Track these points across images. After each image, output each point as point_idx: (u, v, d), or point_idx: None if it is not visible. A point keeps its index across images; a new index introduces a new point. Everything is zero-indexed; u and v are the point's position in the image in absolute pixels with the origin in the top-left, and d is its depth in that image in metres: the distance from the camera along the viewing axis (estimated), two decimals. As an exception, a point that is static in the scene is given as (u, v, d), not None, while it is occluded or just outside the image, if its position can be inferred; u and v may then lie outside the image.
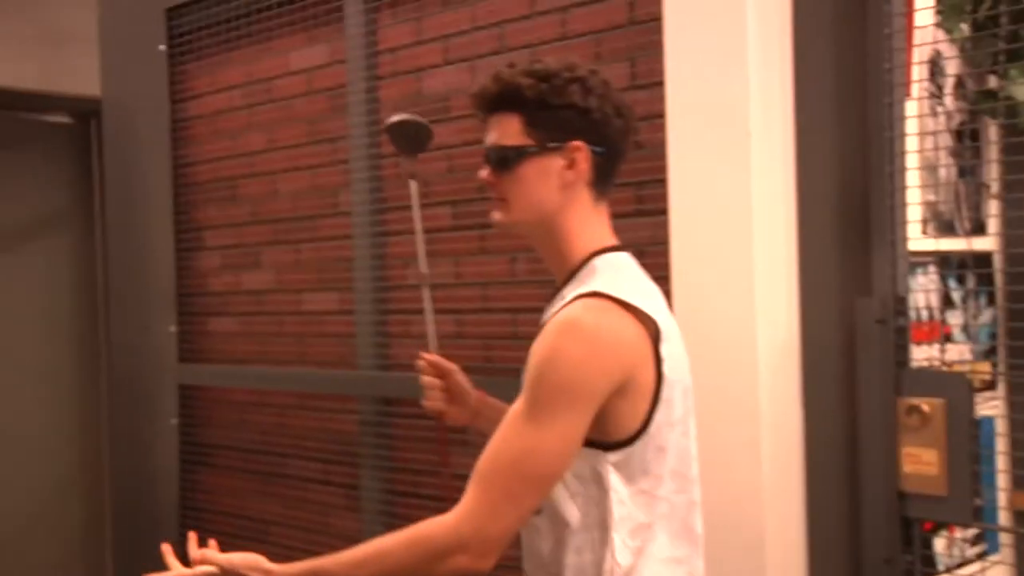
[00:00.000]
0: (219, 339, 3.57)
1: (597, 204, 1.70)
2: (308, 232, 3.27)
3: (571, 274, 1.68)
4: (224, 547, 3.43)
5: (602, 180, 1.69)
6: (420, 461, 2.96)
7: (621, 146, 1.71)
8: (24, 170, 4.96)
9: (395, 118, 2.15)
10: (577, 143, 1.65)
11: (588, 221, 1.69)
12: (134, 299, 3.80)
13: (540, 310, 1.71)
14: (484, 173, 1.71)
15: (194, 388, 3.64)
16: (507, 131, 1.67)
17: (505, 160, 1.66)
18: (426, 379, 2.01)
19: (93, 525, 5.17)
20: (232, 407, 3.53)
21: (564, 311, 1.58)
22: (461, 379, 2.02)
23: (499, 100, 1.67)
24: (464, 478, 1.59)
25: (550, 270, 1.75)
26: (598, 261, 1.67)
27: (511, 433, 1.57)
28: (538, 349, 1.58)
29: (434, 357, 2.03)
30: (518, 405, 1.58)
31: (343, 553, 1.63)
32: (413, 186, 2.16)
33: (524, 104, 1.65)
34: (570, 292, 1.63)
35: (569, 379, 1.54)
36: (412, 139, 2.16)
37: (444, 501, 1.64)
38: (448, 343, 2.90)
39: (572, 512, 1.62)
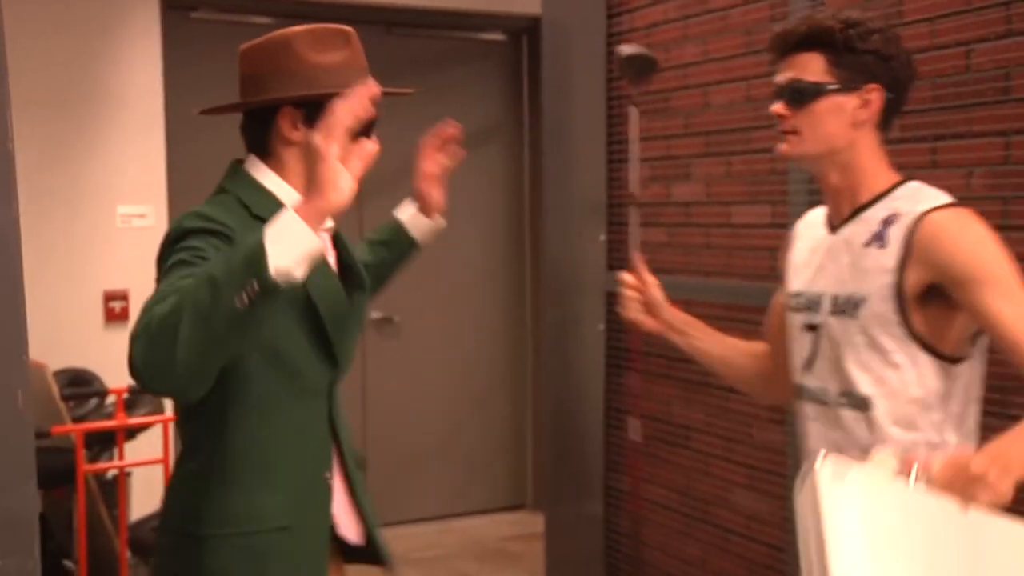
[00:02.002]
0: (646, 249, 3.65)
1: (881, 146, 1.86)
2: (741, 144, 3.26)
3: (871, 200, 1.84)
4: (646, 449, 3.53)
5: (887, 124, 1.85)
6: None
7: (905, 96, 1.87)
8: (462, 86, 5.31)
9: (626, 50, 2.58)
10: (875, 85, 1.81)
11: (877, 157, 1.85)
12: (565, 208, 3.97)
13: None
14: (777, 106, 1.86)
15: (621, 296, 3.76)
16: (808, 68, 1.82)
17: (803, 95, 1.81)
18: (627, 292, 2.24)
19: (515, 422, 5.55)
20: (657, 315, 3.61)
21: (947, 211, 1.75)
22: (657, 294, 2.22)
23: (805, 40, 1.81)
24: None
25: (826, 200, 1.95)
26: (906, 188, 1.84)
27: (1018, 300, 1.68)
28: (958, 243, 1.72)
29: (634, 272, 2.24)
30: (990, 291, 1.68)
31: None
32: (633, 113, 2.48)
33: (831, 45, 1.79)
34: (883, 212, 1.81)
35: (1000, 253, 1.73)
36: (639, 70, 2.47)
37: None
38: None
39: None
